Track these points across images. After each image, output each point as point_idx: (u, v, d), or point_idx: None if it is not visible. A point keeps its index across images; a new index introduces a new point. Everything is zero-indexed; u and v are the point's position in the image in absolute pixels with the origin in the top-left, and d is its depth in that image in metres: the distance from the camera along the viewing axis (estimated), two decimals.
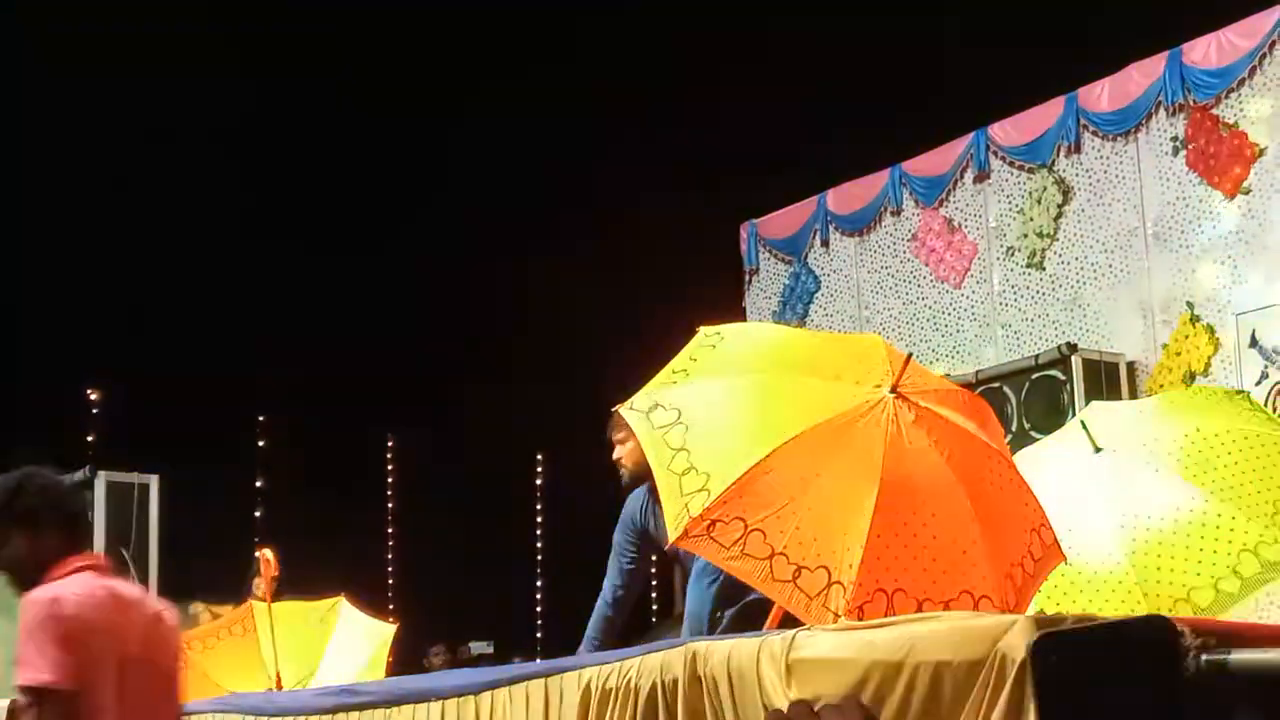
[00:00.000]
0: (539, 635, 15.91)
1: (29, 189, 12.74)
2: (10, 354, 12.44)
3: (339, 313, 13.95)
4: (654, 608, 14.69)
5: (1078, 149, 10.55)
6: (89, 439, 12.51)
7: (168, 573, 10.92)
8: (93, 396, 12.76)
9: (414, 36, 14.19)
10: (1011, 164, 10.99)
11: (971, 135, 11.22)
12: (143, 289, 12.95)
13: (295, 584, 8.37)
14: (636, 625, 13.40)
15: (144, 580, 10.52)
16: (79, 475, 10.92)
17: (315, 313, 13.74)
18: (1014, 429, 9.37)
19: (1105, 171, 10.41)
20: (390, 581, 15.44)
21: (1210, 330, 9.67)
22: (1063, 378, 9.63)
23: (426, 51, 14.18)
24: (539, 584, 16.40)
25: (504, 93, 14.19)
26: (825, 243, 12.28)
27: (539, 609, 16.28)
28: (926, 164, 11.61)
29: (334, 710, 5.03)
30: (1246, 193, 9.61)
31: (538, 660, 5.48)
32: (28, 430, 12.13)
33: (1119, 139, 10.33)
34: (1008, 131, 11.03)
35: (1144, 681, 1.58)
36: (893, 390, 4.37)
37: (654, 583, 14.74)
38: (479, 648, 14.08)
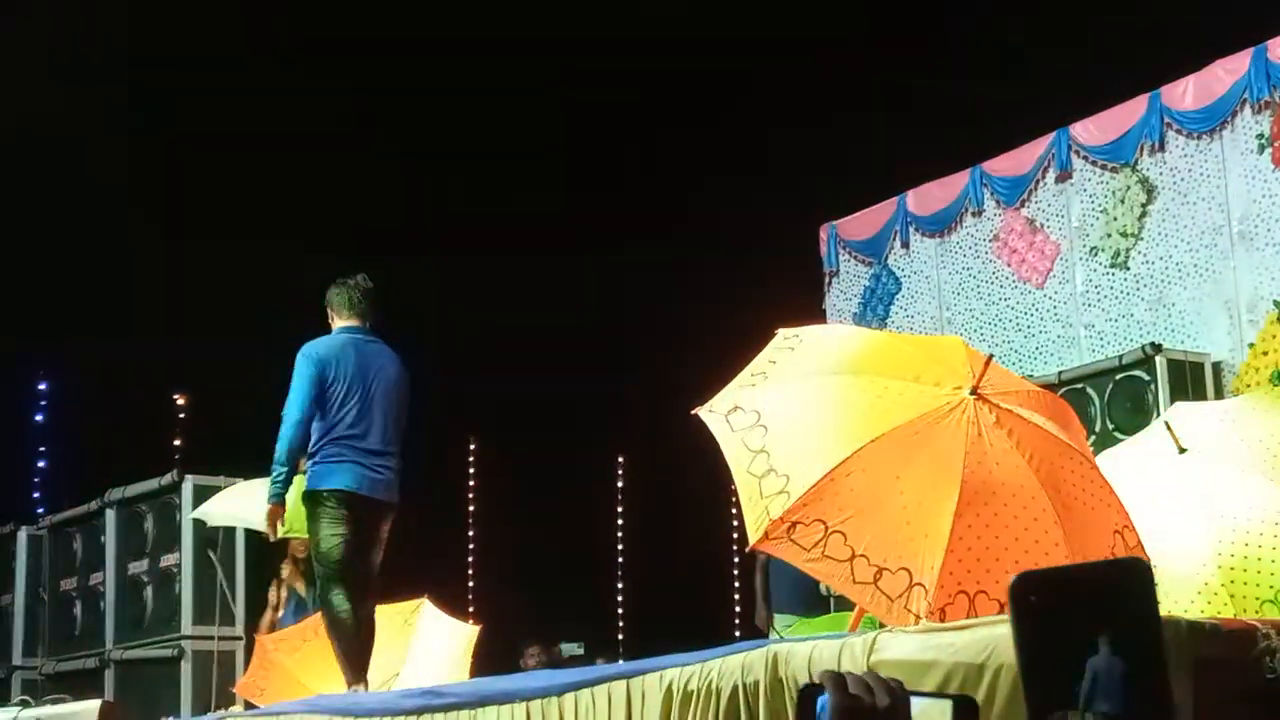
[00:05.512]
0: (621, 636, 15.93)
1: (130, 198, 12.94)
2: (100, 360, 12.61)
3: (415, 317, 14.02)
4: (737, 610, 14.69)
5: (1162, 147, 10.43)
6: (176, 443, 12.65)
7: (253, 575, 11.04)
8: (180, 401, 12.91)
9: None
10: (1094, 163, 10.89)
11: (1053, 135, 11.13)
12: (229, 298, 13.10)
13: (379, 587, 8.45)
14: (718, 629, 13.42)
15: (231, 582, 10.66)
16: (167, 479, 11.07)
17: (392, 316, 13.80)
18: (1097, 430, 9.28)
19: (1190, 170, 10.29)
20: (471, 584, 15.52)
21: None
22: (1147, 378, 9.54)
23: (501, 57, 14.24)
24: (620, 585, 16.42)
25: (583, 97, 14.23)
26: (906, 244, 12.22)
27: (620, 610, 16.30)
28: (1008, 164, 11.53)
29: (419, 711, 5.08)
30: None
31: (621, 661, 5.51)
32: (117, 435, 12.33)
33: (1204, 137, 10.21)
34: (1090, 131, 10.93)
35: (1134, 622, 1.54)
36: (973, 392, 4.35)
37: (736, 586, 14.73)
38: (570, 649, 14.11)
